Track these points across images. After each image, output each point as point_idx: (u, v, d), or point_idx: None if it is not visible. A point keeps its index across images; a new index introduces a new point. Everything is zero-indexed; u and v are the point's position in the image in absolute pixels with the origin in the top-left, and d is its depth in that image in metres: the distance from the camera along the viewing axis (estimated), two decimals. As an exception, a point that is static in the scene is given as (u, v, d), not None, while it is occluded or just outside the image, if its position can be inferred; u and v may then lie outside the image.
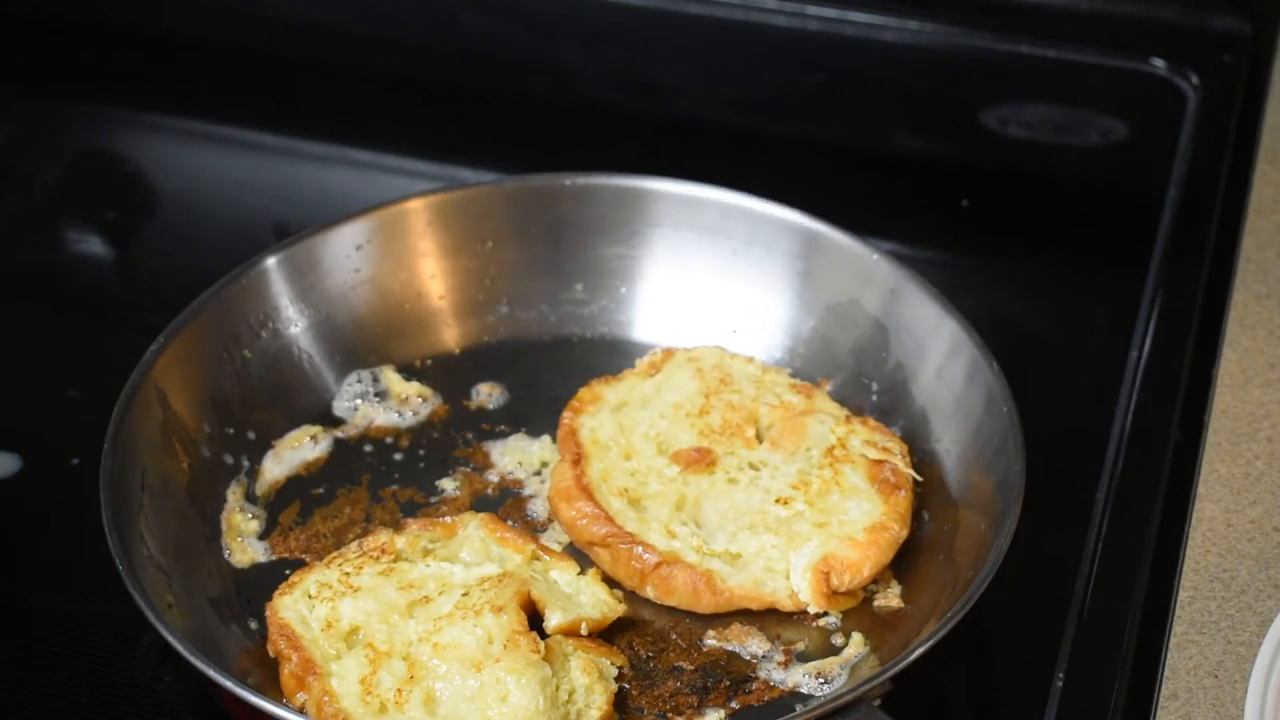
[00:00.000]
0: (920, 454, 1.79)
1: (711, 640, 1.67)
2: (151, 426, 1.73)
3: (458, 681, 1.56)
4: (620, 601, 1.68)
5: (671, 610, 1.69)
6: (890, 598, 1.70)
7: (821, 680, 1.63)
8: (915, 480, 1.75)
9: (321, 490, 1.80)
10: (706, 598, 1.67)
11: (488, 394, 1.90)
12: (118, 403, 1.70)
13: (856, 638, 1.67)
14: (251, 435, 1.82)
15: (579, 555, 1.73)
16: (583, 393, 1.83)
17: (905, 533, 1.71)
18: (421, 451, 1.84)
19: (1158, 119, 2.28)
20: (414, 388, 1.89)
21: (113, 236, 2.20)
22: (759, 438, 1.80)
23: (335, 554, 1.69)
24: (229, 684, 1.49)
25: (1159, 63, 2.34)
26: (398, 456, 1.84)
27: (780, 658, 1.66)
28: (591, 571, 1.70)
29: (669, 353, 1.88)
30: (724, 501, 1.74)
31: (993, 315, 1.89)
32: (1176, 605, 1.63)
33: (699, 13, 2.45)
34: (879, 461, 1.74)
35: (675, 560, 1.68)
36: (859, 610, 1.69)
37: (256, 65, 2.45)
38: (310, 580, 1.65)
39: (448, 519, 1.72)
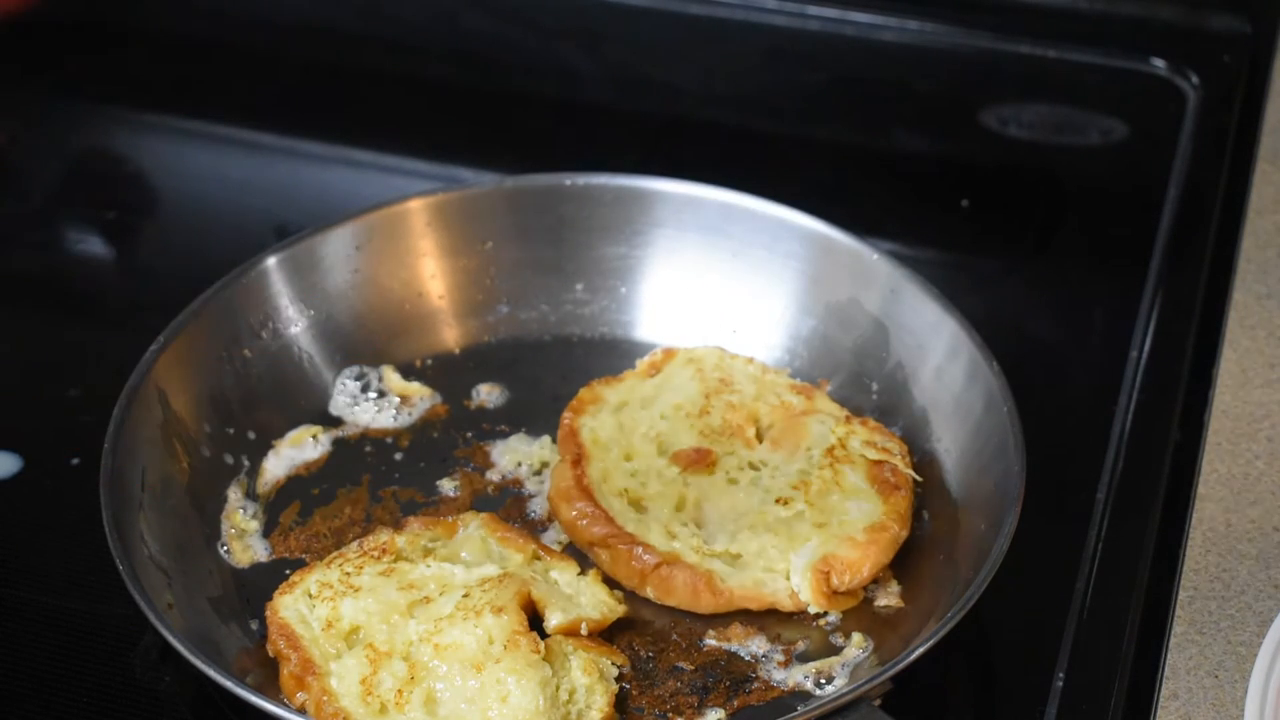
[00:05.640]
0: (920, 454, 1.79)
1: (711, 640, 1.67)
2: (151, 426, 1.73)
3: (458, 682, 1.56)
4: (620, 602, 1.68)
5: (671, 610, 1.69)
6: (890, 598, 1.70)
7: (821, 680, 1.63)
8: (915, 480, 1.75)
9: (321, 490, 1.80)
10: (706, 598, 1.67)
11: (488, 394, 1.90)
12: (118, 403, 1.70)
13: (856, 638, 1.66)
14: (251, 435, 1.82)
15: (579, 555, 1.73)
16: (583, 393, 1.83)
17: (905, 533, 1.71)
18: (421, 451, 1.84)
19: (1158, 119, 2.28)
20: (414, 387, 1.89)
21: (113, 236, 2.20)
22: (759, 438, 1.80)
23: (335, 554, 1.69)
24: (229, 684, 1.49)
25: (1159, 63, 2.34)
26: (398, 456, 1.84)
27: (780, 658, 1.66)
28: (591, 572, 1.70)
29: (669, 353, 1.87)
30: (724, 502, 1.74)
31: (993, 315, 1.89)
32: (1176, 605, 1.63)
33: (699, 13, 2.45)
34: (879, 462, 1.74)
35: (675, 561, 1.68)
36: (859, 610, 1.69)
37: (256, 65, 2.44)
38: (310, 580, 1.65)
39: (449, 518, 1.72)
